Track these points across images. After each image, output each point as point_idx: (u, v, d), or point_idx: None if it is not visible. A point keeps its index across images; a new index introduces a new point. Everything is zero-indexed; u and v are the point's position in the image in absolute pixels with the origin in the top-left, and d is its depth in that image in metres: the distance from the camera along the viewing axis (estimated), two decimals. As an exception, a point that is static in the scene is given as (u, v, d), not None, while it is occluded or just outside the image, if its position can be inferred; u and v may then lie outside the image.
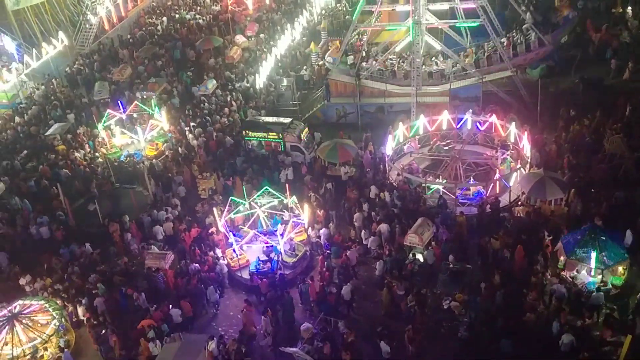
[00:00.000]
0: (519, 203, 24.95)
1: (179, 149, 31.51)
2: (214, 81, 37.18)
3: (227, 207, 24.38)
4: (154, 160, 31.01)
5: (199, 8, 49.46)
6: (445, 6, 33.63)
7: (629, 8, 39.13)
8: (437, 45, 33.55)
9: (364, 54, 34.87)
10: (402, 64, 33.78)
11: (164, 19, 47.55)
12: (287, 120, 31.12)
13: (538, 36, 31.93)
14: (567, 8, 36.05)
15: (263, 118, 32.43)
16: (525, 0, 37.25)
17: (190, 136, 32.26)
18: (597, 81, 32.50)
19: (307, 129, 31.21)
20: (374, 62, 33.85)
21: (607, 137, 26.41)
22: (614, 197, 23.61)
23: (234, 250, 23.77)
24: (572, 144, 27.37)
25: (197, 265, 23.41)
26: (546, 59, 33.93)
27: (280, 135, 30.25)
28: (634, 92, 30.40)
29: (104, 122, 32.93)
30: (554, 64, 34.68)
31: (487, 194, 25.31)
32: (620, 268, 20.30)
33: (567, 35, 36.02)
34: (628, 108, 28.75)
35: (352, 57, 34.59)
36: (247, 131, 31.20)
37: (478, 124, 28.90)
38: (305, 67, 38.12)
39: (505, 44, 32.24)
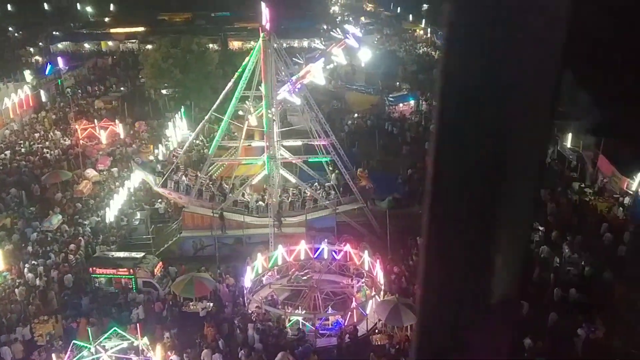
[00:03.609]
0: (377, 331, 25.23)
1: (16, 290, 28.46)
2: (60, 216, 34.99)
3: (68, 352, 21.92)
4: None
5: (47, 142, 47.58)
6: (298, 142, 35.46)
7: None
8: (292, 179, 34.80)
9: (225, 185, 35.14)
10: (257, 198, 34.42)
11: (7, 152, 44.97)
12: (140, 255, 29.71)
13: (336, 198, 33.57)
14: (365, 179, 35.85)
15: (113, 253, 30.69)
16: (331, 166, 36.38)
17: (29, 275, 29.40)
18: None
19: (160, 263, 29.91)
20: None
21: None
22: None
23: (74, 403, 21.10)
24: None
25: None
26: (393, 191, 36.39)
27: (132, 271, 28.63)
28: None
29: None
30: (400, 196, 37.21)
31: (346, 323, 25.36)
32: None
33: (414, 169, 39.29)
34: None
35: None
36: (94, 268, 29.16)
37: (334, 253, 29.58)
38: (160, 200, 37.35)
39: (308, 196, 33.69)
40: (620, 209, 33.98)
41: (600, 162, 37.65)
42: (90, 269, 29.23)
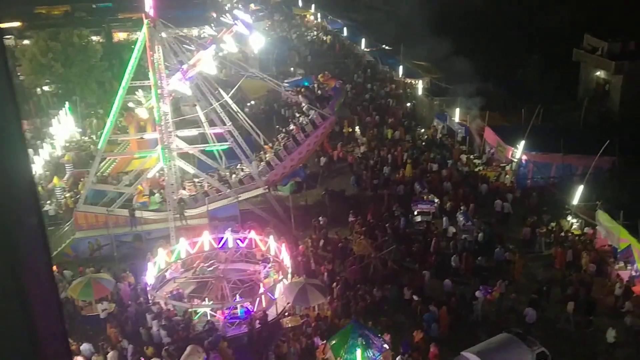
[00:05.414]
0: (287, 314, 25.27)
1: None
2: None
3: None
4: None
5: None
6: (194, 132, 34.53)
7: (357, 127, 44.99)
8: (191, 170, 33.89)
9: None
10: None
11: None
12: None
13: (318, 112, 34.01)
14: (331, 80, 39.65)
15: None
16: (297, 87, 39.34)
17: None
18: (340, 193, 35.96)
19: (54, 267, 28.23)
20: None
21: (354, 240, 28.79)
22: (369, 294, 25.39)
23: None
24: (326, 250, 29.21)
25: None
26: (294, 175, 36.51)
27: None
28: (373, 200, 34.25)
29: None
30: (302, 180, 37.45)
31: (255, 310, 25.18)
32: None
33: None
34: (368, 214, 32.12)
35: (158, 195, 32.86)
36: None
37: (239, 241, 29.25)
38: (49, 202, 35.21)
39: (294, 130, 33.97)
40: (507, 176, 36.13)
41: (486, 133, 39.75)
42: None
